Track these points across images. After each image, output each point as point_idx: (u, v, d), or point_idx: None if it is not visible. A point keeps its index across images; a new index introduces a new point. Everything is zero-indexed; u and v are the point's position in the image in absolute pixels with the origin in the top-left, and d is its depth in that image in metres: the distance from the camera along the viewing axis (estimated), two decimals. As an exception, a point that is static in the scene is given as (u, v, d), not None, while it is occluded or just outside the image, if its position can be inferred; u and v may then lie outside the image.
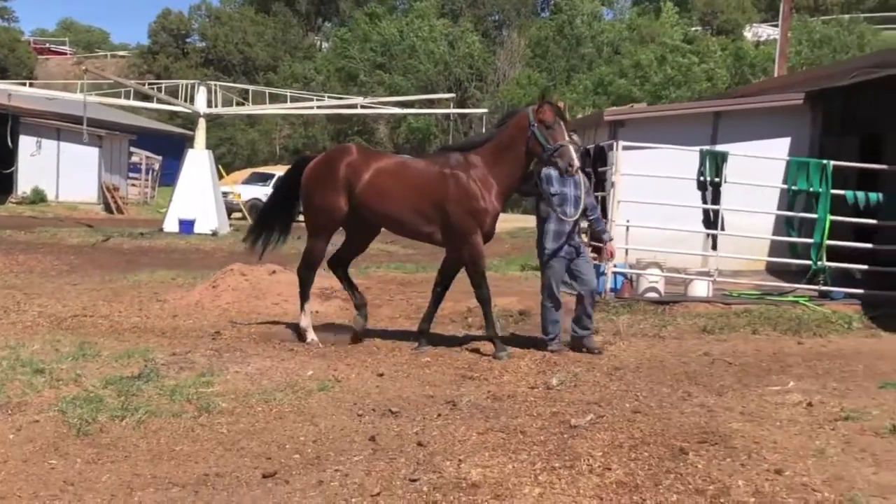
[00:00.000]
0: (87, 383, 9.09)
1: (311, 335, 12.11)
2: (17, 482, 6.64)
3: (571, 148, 10.85)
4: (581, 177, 11.52)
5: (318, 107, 37.57)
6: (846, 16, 68.84)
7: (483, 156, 11.44)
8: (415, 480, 6.65)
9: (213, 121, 62.27)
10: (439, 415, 8.60)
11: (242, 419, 8.34)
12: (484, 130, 52.05)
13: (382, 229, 12.89)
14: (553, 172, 11.45)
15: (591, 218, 12.06)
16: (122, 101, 36.07)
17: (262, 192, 43.36)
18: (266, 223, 13.25)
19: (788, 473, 7.25)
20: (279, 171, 47.83)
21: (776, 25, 56.48)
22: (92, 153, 42.41)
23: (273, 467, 7.03)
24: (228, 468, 7.03)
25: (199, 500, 6.42)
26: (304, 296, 12.49)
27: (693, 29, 68.84)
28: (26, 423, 7.91)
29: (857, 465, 7.55)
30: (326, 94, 41.80)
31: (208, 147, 33.26)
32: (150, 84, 39.49)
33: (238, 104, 35.01)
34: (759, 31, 71.04)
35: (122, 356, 10.32)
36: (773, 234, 17.39)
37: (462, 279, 12.38)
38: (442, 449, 7.44)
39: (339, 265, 12.85)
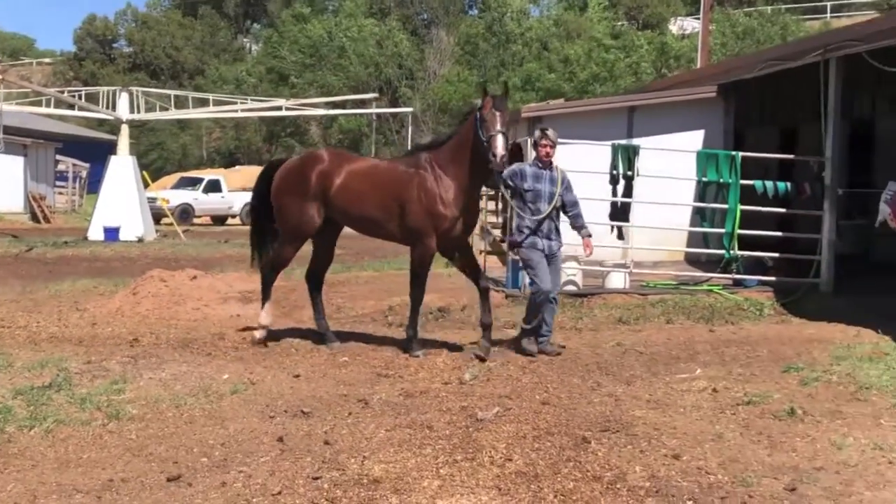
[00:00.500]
0: None
1: (263, 333, 12.18)
2: None
3: (499, 139, 10.50)
4: (559, 173, 11.46)
5: (242, 110, 37.59)
6: (769, 7, 69.77)
7: (444, 154, 11.42)
8: (317, 479, 6.76)
9: (142, 126, 62.02)
10: (350, 413, 8.69)
11: (152, 425, 8.36)
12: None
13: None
14: (528, 168, 11.57)
15: (570, 213, 11.67)
16: (42, 109, 35.76)
17: (192, 196, 43.19)
18: (258, 237, 13.00)
19: (685, 458, 7.50)
20: (209, 174, 47.79)
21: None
22: (17, 162, 42.06)
23: (178, 471, 7.08)
24: (134, 473, 7.06)
25: (98, 501, 6.48)
26: (265, 294, 12.58)
27: (619, 24, 69.32)
28: None
29: (753, 448, 7.82)
30: (250, 98, 41.77)
31: (139, 153, 33.07)
32: (70, 91, 39.22)
33: (162, 109, 34.74)
34: (685, 25, 71.40)
35: (35, 366, 10.25)
36: (690, 225, 17.67)
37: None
38: (348, 447, 7.56)
39: (315, 281, 12.78)
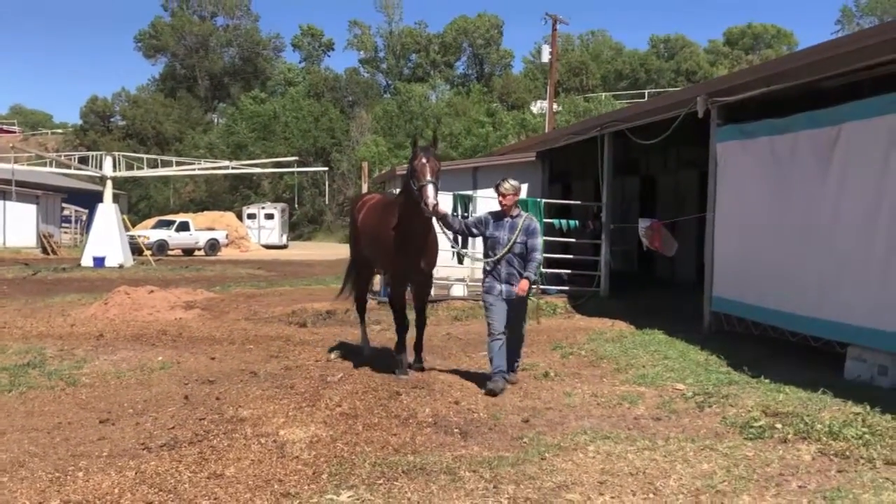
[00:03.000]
0: None
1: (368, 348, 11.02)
2: None
3: (429, 189, 8.54)
4: (523, 221, 8.98)
5: (199, 168, 37.87)
6: (603, 94, 71.65)
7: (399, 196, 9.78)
8: (202, 419, 7.35)
9: (133, 182, 61.51)
10: (241, 381, 9.14)
11: (98, 389, 8.87)
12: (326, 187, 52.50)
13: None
14: (490, 216, 9.23)
15: (527, 261, 9.00)
16: (47, 169, 35.62)
17: (167, 234, 43.32)
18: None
19: (463, 404, 8.22)
20: (180, 217, 47.71)
21: (555, 101, 58.65)
22: (30, 209, 41.72)
23: (109, 416, 7.64)
24: (77, 418, 7.62)
25: (50, 436, 7.01)
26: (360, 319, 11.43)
27: (493, 104, 70.41)
28: None
29: (511, 398, 8.58)
30: (203, 160, 42.04)
31: (130, 202, 32.84)
32: (66, 156, 38.98)
33: (138, 168, 34.79)
34: (543, 105, 73.03)
35: (21, 352, 10.68)
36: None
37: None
38: (231, 401, 8.05)
39: (364, 304, 11.50)
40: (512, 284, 8.94)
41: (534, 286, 16.72)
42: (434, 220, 9.29)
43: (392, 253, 9.41)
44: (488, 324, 9.06)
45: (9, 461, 6.24)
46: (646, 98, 70.61)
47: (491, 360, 8.98)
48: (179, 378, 9.47)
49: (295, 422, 7.29)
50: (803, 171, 9.96)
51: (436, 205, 8.63)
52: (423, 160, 8.70)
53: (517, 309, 9.16)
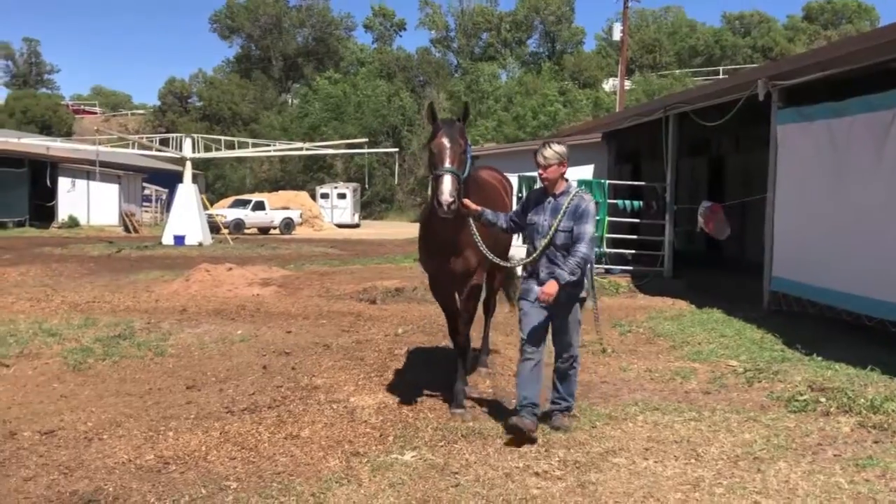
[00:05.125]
0: (83, 340, 10.15)
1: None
2: (29, 396, 7.83)
3: (445, 180, 6.33)
4: (570, 199, 6.38)
5: (274, 150, 38.82)
6: (677, 71, 70.94)
7: None
8: (280, 387, 7.93)
9: (208, 162, 62.94)
10: (315, 353, 9.66)
11: (183, 359, 9.47)
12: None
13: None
14: (531, 196, 6.80)
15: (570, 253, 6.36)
16: (129, 151, 36.79)
17: (243, 213, 44.46)
18: None
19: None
20: (256, 197, 48.83)
21: (628, 79, 58.32)
22: (113, 189, 43.10)
23: (194, 383, 8.26)
24: (166, 384, 8.25)
25: (142, 400, 7.63)
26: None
27: (565, 83, 70.25)
28: (40, 364, 9.05)
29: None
30: (278, 141, 43.06)
31: (208, 182, 33.80)
32: (147, 137, 40.29)
33: (216, 150, 35.80)
34: (616, 83, 72.58)
35: (112, 324, 11.27)
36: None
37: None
38: (306, 370, 8.64)
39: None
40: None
41: (599, 266, 17.01)
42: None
43: (421, 251, 7.57)
44: (520, 339, 6.78)
45: (107, 421, 6.92)
46: (720, 75, 70.00)
47: (517, 387, 6.70)
48: (258, 350, 10.01)
49: (364, 390, 7.86)
50: (859, 154, 10.13)
51: (452, 202, 6.29)
52: (443, 140, 6.52)
53: (561, 319, 6.65)
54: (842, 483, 5.41)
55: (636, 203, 16.93)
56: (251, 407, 7.31)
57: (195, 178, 32.14)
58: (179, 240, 29.93)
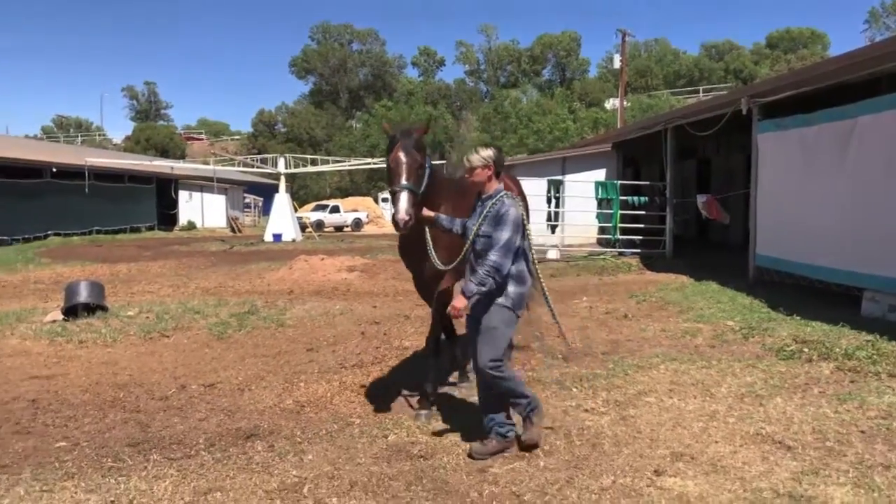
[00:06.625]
0: (221, 316, 10.43)
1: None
2: (189, 358, 8.11)
3: (401, 197, 5.10)
4: (493, 204, 4.79)
5: (349, 165, 39.16)
6: (664, 91, 70.05)
7: None
8: (378, 347, 8.19)
9: (294, 176, 63.53)
10: (399, 322, 9.93)
11: (299, 329, 9.70)
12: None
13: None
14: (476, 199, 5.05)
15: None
16: (235, 169, 37.25)
17: (323, 215, 44.79)
18: None
19: (567, 337, 8.88)
20: (332, 202, 49.24)
21: (625, 100, 57.75)
22: (221, 199, 43.73)
23: (312, 347, 8.52)
24: (291, 348, 8.49)
25: (275, 360, 7.88)
26: None
27: (574, 104, 69.58)
28: (192, 335, 9.33)
29: (600, 332, 9.06)
30: (349, 159, 43.47)
31: (294, 191, 34.02)
32: (250, 157, 40.83)
33: (303, 165, 36.19)
34: (615, 102, 71.76)
35: (239, 304, 11.57)
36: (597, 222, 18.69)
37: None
38: (395, 335, 8.92)
39: None
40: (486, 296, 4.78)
41: (613, 249, 17.16)
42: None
43: (400, 256, 6.23)
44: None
45: (253, 376, 7.22)
46: (700, 94, 69.03)
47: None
48: (354, 320, 10.24)
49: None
50: (825, 156, 10.16)
51: (408, 220, 5.06)
52: (399, 155, 5.24)
53: (472, 328, 4.97)
54: (828, 413, 5.54)
55: (642, 198, 16.97)
56: (359, 363, 7.57)
57: (286, 189, 32.43)
58: (277, 237, 30.18)
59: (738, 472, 4.48)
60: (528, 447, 4.93)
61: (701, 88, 70.59)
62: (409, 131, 5.39)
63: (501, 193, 4.87)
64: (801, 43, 79.85)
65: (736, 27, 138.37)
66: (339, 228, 45.39)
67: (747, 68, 75.87)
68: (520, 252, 4.85)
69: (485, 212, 4.85)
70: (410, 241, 5.69)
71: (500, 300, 4.79)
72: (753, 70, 73.95)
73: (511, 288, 4.80)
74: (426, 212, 5.38)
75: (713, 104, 14.68)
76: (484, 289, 4.66)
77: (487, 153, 4.90)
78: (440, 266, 5.51)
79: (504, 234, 4.70)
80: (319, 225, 42.82)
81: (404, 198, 5.12)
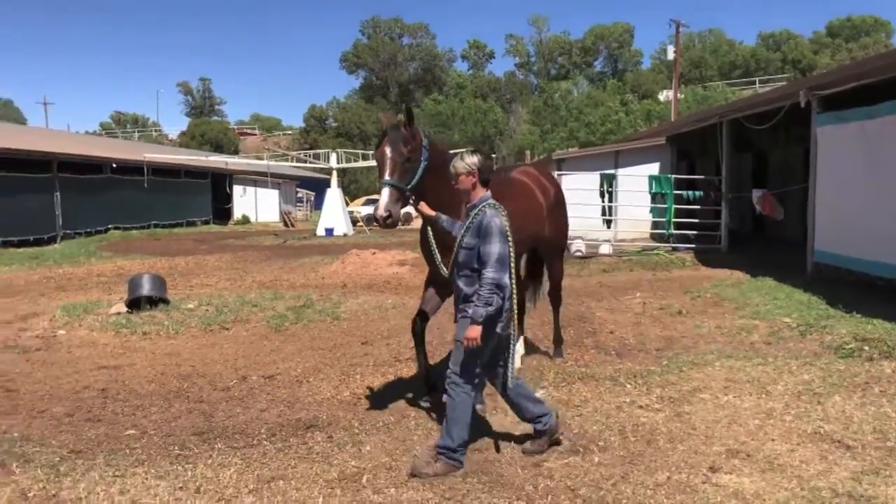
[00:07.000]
0: (278, 309, 10.65)
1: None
2: (248, 350, 8.34)
3: (383, 192, 5.15)
4: (477, 215, 4.62)
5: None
6: (719, 83, 68.71)
7: None
8: (430, 342, 8.14)
9: (345, 170, 64.16)
10: (449, 316, 9.92)
11: (353, 322, 9.88)
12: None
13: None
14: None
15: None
16: (288, 164, 37.66)
17: (372, 209, 45.19)
18: None
19: (617, 334, 8.78)
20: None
21: (678, 91, 56.81)
22: (274, 193, 44.33)
23: (367, 340, 8.68)
24: (345, 342, 8.65)
25: (331, 353, 8.06)
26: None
27: (626, 95, 68.73)
28: (250, 327, 9.59)
29: (654, 329, 9.06)
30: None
31: (345, 185, 34.28)
32: (303, 152, 41.32)
33: (353, 160, 36.49)
34: (668, 94, 70.66)
35: (295, 297, 11.76)
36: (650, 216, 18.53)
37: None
38: (447, 330, 8.71)
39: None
40: (463, 315, 4.67)
41: (667, 244, 16.97)
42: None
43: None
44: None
45: (310, 368, 7.41)
46: (756, 85, 67.59)
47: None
48: (406, 314, 10.13)
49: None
50: (890, 148, 9.92)
51: (386, 217, 5.09)
52: (385, 149, 5.22)
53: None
54: (889, 412, 5.46)
55: (697, 193, 16.76)
56: (413, 357, 7.65)
57: (338, 183, 32.75)
58: (329, 231, 30.47)
59: (795, 470, 4.46)
60: (411, 473, 4.52)
61: (757, 79, 69.11)
62: (398, 125, 5.31)
63: (484, 203, 4.71)
64: (863, 31, 77.48)
65: (794, 16, 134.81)
66: (389, 222, 45.53)
67: (806, 58, 74.02)
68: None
69: (469, 221, 4.69)
70: (425, 238, 5.67)
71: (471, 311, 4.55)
72: (813, 60, 72.11)
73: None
74: (426, 209, 5.26)
75: (770, 97, 14.41)
76: (491, 308, 4.49)
77: (472, 160, 4.74)
78: (444, 272, 5.29)
79: (495, 248, 4.53)
80: (370, 219, 43.08)
81: (385, 193, 5.14)
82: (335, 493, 4.33)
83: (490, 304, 4.49)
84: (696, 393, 6.16)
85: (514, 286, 4.68)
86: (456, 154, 4.89)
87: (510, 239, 4.63)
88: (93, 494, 4.34)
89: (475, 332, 4.48)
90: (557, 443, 4.95)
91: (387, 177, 5.13)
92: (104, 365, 7.70)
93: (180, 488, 4.43)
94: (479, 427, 5.47)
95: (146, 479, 4.57)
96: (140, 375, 7.25)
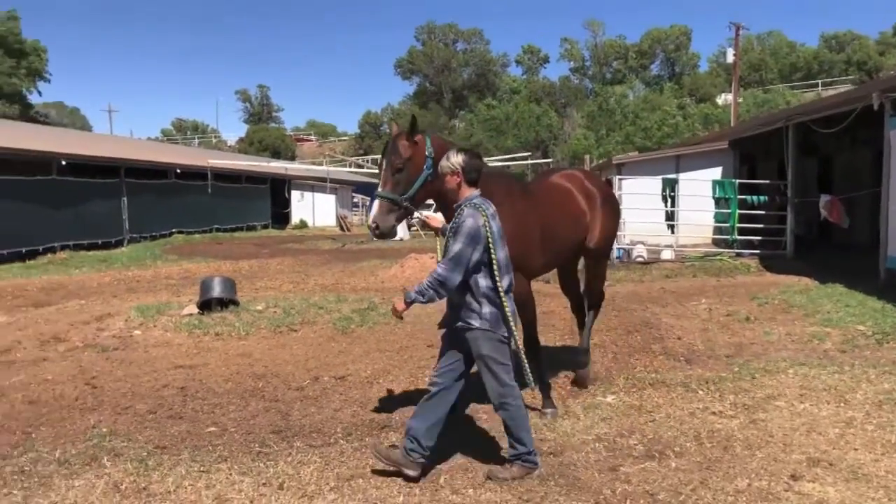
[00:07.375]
0: (343, 312, 10.78)
1: None
2: (317, 351, 8.47)
3: (373, 205, 5.35)
4: (460, 217, 4.47)
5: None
6: (780, 86, 67.32)
7: None
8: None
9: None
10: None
11: (417, 325, 9.87)
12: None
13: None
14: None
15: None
16: (345, 170, 38.13)
17: (426, 213, 45.35)
18: None
19: (684, 339, 8.68)
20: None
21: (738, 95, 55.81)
22: (331, 198, 44.87)
23: (433, 343, 8.68)
24: (411, 344, 8.72)
25: (398, 355, 8.14)
26: None
27: (683, 99, 67.83)
28: (318, 329, 9.73)
29: (722, 336, 8.94)
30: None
31: None
32: (360, 158, 41.80)
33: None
34: (727, 97, 69.48)
35: (358, 300, 11.90)
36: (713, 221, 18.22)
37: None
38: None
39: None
40: (458, 314, 4.68)
41: (730, 250, 16.70)
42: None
43: None
44: None
45: (380, 370, 7.51)
46: (819, 87, 66.00)
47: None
48: None
49: (560, 350, 8.16)
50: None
51: (374, 228, 5.16)
52: (382, 162, 5.26)
53: (461, 353, 4.78)
54: (977, 423, 5.31)
55: (761, 197, 16.46)
56: (480, 361, 7.72)
57: (394, 188, 32.94)
58: (384, 235, 30.70)
59: (881, 480, 4.38)
60: (488, 477, 4.54)
61: (820, 82, 67.47)
62: (398, 136, 5.20)
63: (468, 201, 4.56)
64: (932, 31, 75.04)
65: (859, 16, 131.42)
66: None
67: (872, 59, 71.95)
68: (480, 267, 4.45)
69: (451, 224, 4.58)
70: None
71: (476, 323, 4.52)
72: (879, 61, 70.08)
73: (485, 308, 4.51)
74: (432, 221, 5.28)
75: (838, 100, 14.08)
76: (423, 299, 4.48)
77: (456, 159, 4.58)
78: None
79: (455, 247, 4.39)
80: (424, 224, 43.23)
81: (375, 206, 5.19)
82: (414, 493, 4.40)
83: (423, 295, 4.48)
84: (771, 400, 6.07)
85: (502, 293, 4.47)
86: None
87: (491, 242, 4.44)
88: (181, 489, 4.49)
89: (401, 305, 4.55)
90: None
91: (379, 189, 5.15)
92: (180, 364, 7.93)
93: (264, 484, 4.55)
94: (553, 430, 5.49)
95: (230, 474, 4.70)
96: (216, 374, 7.45)
